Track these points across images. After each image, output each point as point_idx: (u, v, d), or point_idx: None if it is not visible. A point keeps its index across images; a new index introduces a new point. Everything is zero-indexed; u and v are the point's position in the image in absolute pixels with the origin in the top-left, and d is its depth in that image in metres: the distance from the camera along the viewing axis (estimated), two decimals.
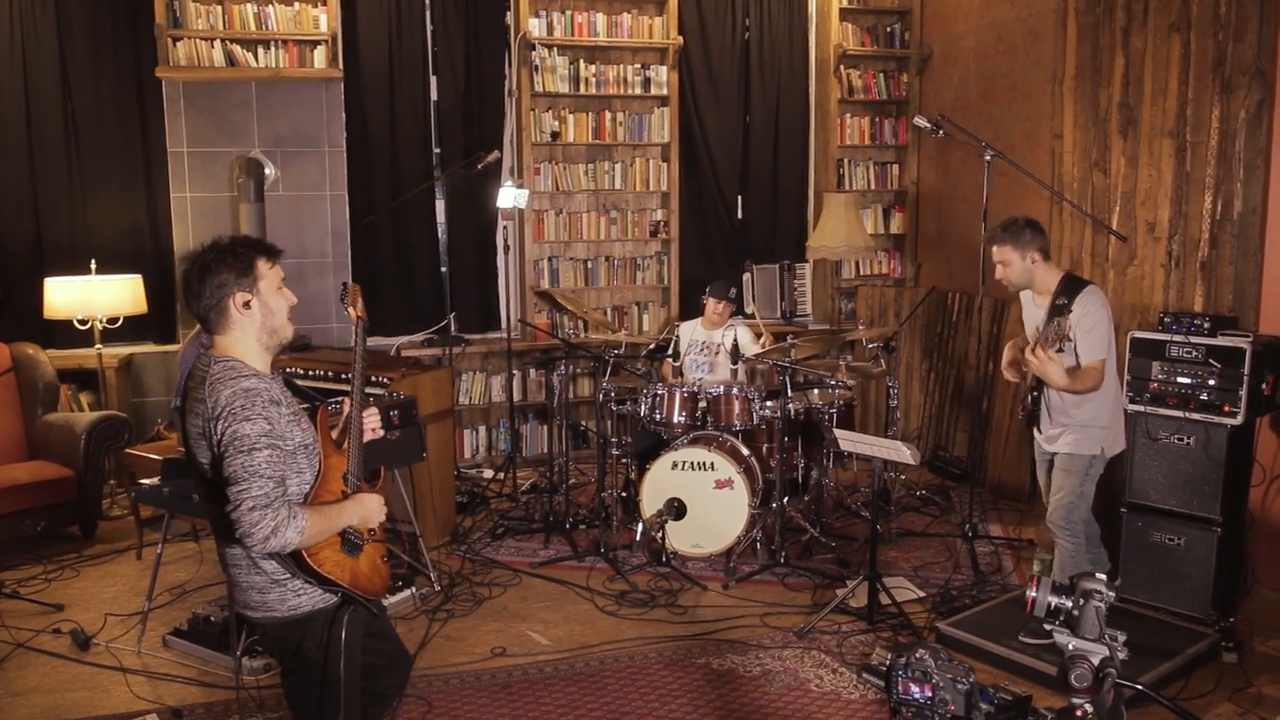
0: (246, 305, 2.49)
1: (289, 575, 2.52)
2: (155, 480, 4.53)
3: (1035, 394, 4.14)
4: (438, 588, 4.79)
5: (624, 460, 5.82)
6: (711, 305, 5.83)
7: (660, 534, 4.97)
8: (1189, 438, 4.39)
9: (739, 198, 7.61)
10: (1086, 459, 4.05)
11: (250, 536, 2.34)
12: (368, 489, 2.69)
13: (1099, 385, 3.91)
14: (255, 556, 2.50)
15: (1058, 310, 3.89)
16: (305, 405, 2.69)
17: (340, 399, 3.30)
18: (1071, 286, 3.96)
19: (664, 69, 7.16)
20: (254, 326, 2.51)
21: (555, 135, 7.01)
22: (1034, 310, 4.15)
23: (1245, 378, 4.23)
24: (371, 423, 2.81)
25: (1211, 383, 4.31)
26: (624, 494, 5.69)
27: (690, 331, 6.00)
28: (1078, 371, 3.88)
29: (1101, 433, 4.04)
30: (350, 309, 2.86)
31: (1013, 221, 4.07)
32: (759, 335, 5.84)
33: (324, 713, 2.60)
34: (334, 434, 2.74)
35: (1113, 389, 4.08)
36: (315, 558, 2.49)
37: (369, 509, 2.63)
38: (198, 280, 2.48)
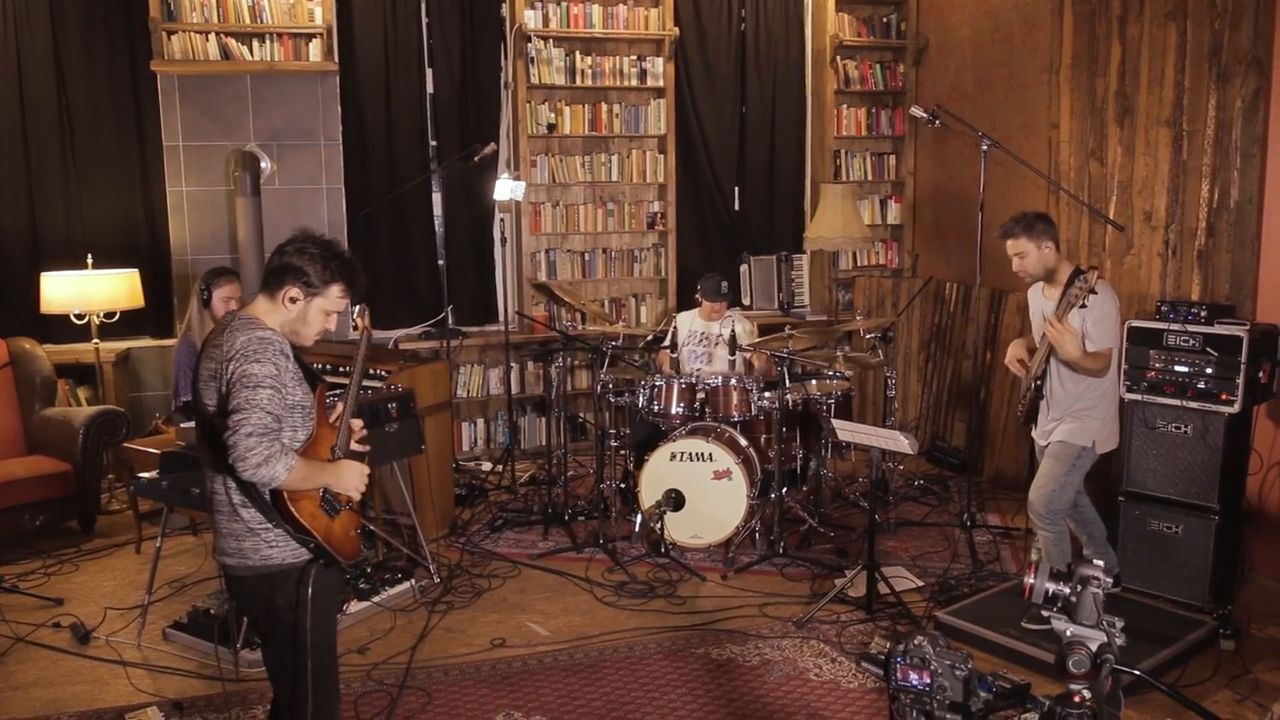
0: (292, 300, 2.67)
1: (265, 527, 2.62)
2: (154, 474, 4.52)
3: (1038, 383, 4.16)
4: (437, 580, 4.80)
5: (622, 452, 5.82)
6: (708, 307, 5.80)
7: (659, 525, 4.97)
8: (1186, 426, 4.40)
9: (736, 189, 7.60)
10: (1077, 449, 4.09)
11: (244, 460, 2.46)
12: None
13: (1106, 370, 4.01)
14: (236, 503, 2.61)
15: (1069, 297, 3.95)
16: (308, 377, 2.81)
17: (338, 394, 3.36)
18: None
19: (660, 60, 7.14)
20: (284, 316, 2.68)
21: (552, 127, 7.00)
22: (1043, 301, 4.20)
23: (1242, 366, 4.24)
24: (356, 431, 2.88)
25: (1209, 371, 4.33)
26: (622, 485, 5.70)
27: (689, 323, 5.99)
28: (1090, 352, 3.97)
29: (1097, 425, 4.09)
30: (359, 320, 3.07)
31: (1023, 215, 4.17)
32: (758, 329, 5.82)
33: (296, 675, 2.67)
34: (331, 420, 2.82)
35: (1113, 385, 4.17)
36: (295, 505, 2.60)
37: (350, 476, 2.72)
38: (291, 254, 2.67)
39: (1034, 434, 4.32)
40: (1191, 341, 4.39)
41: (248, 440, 2.46)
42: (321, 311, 2.71)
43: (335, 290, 2.69)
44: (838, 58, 7.42)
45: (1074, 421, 4.09)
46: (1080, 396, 4.08)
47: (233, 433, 2.47)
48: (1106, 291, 4.02)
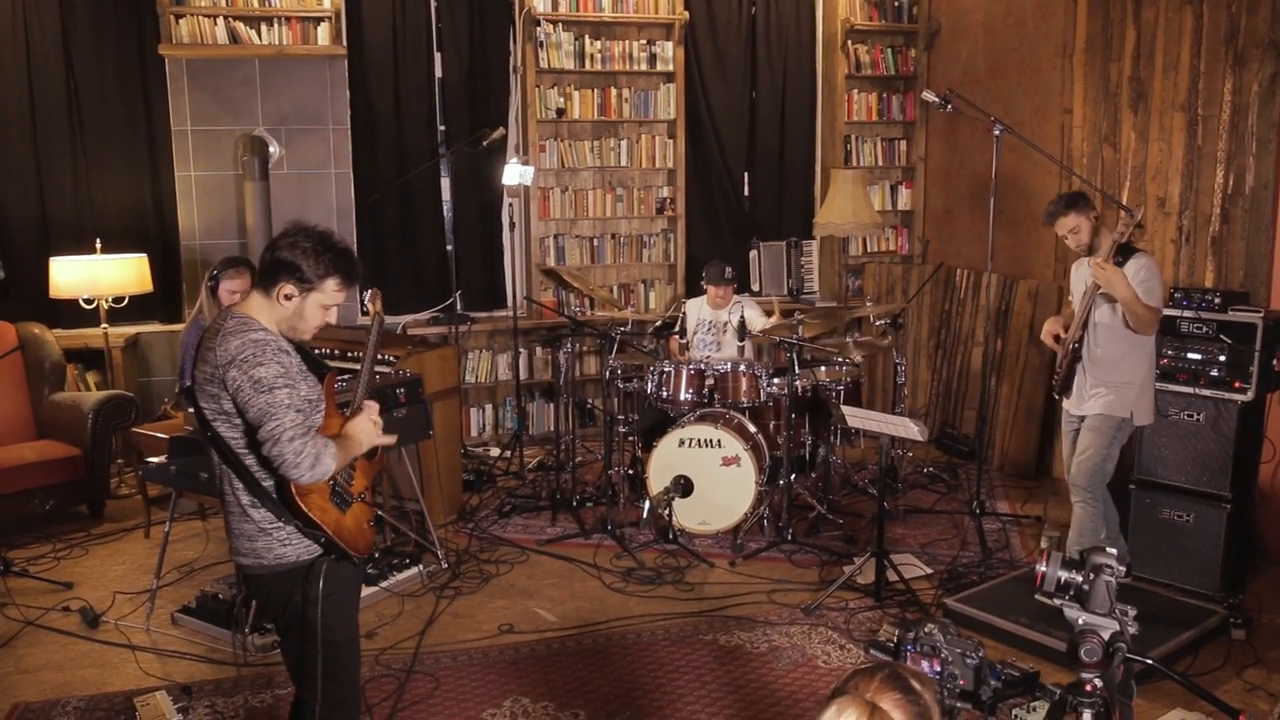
0: (287, 297, 2.57)
1: (277, 525, 2.58)
2: (162, 459, 4.52)
3: (1075, 347, 4.16)
4: (445, 565, 4.80)
5: (631, 438, 5.81)
6: (713, 291, 5.78)
7: (667, 511, 4.96)
8: (1199, 414, 4.37)
9: (745, 174, 7.57)
10: (1117, 420, 4.10)
11: (297, 467, 2.41)
12: (363, 462, 2.75)
13: (1154, 327, 4.01)
14: (245, 504, 2.56)
15: (1115, 235, 3.99)
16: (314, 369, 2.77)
17: (346, 379, 3.36)
18: (1123, 250, 4.04)
19: (670, 45, 7.10)
20: (281, 314, 2.59)
21: (561, 112, 6.97)
22: (1087, 271, 4.18)
23: (1256, 354, 4.21)
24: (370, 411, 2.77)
25: (1222, 359, 4.29)
26: (631, 471, 5.68)
27: (697, 310, 5.97)
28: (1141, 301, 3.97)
29: (1134, 395, 4.11)
30: (371, 304, 3.06)
31: (1063, 195, 4.24)
32: (769, 313, 5.79)
33: (315, 669, 2.63)
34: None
35: (1150, 357, 4.17)
36: (304, 499, 2.53)
37: (361, 432, 2.65)
38: (284, 248, 2.56)
39: (1065, 405, 4.30)
40: (1205, 329, 4.35)
41: (293, 445, 2.40)
42: (319, 306, 2.60)
43: (331, 284, 2.59)
44: (848, 42, 7.36)
45: (1112, 394, 4.10)
46: (1118, 365, 4.08)
47: (273, 444, 2.40)
48: (1150, 260, 4.05)
